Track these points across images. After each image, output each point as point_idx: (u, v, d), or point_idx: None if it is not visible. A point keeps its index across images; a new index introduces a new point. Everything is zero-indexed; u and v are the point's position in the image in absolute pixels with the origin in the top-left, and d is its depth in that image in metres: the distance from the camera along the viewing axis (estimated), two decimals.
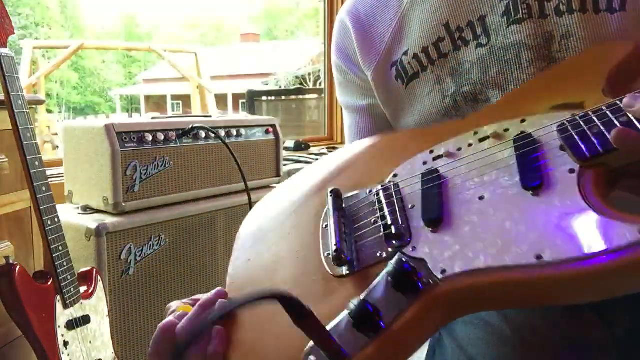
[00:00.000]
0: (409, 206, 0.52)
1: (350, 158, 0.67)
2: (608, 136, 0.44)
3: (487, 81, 0.68)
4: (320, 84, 4.55)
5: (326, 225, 0.55)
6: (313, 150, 2.43)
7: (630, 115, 0.44)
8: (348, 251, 0.50)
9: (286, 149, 2.32)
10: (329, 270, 0.51)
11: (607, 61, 0.53)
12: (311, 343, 0.43)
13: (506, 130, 0.52)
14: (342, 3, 2.84)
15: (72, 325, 1.14)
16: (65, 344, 1.12)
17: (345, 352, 0.42)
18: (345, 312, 0.44)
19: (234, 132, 1.65)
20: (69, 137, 1.45)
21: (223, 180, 1.62)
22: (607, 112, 0.46)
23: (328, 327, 0.44)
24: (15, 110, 1.06)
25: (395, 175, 0.57)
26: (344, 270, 0.50)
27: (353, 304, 0.43)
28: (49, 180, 1.11)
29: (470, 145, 0.53)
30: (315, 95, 4.75)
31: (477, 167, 0.51)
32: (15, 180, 1.22)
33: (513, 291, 0.43)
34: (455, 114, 0.71)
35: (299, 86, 13.20)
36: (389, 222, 0.51)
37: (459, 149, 0.54)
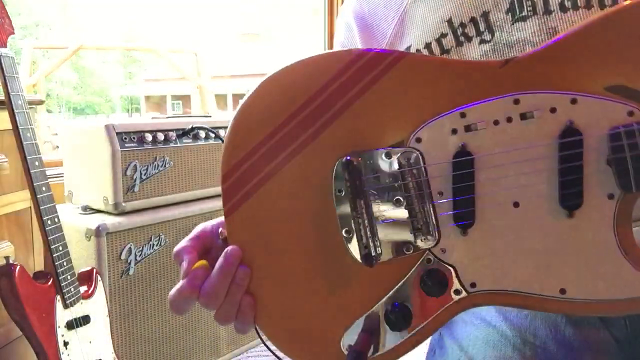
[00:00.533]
0: (437, 192, 0.47)
1: (356, 91, 0.49)
2: None
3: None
4: None
5: (355, 206, 0.47)
6: None
7: None
8: (381, 238, 0.47)
9: None
10: (351, 256, 0.48)
11: None
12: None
13: (553, 110, 0.45)
14: (342, 3, 2.84)
15: (72, 325, 1.14)
16: (65, 344, 1.12)
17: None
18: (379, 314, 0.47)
19: None
20: (69, 137, 1.45)
21: None
22: None
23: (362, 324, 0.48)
24: (15, 110, 1.06)
25: (418, 141, 0.48)
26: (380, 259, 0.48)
27: (387, 307, 0.46)
28: (49, 180, 1.11)
29: (509, 119, 0.46)
30: None
31: (515, 160, 0.45)
32: (15, 180, 1.22)
33: (530, 306, 0.46)
34: None
35: None
36: (416, 210, 0.46)
37: (496, 122, 0.46)
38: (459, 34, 0.69)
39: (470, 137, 0.46)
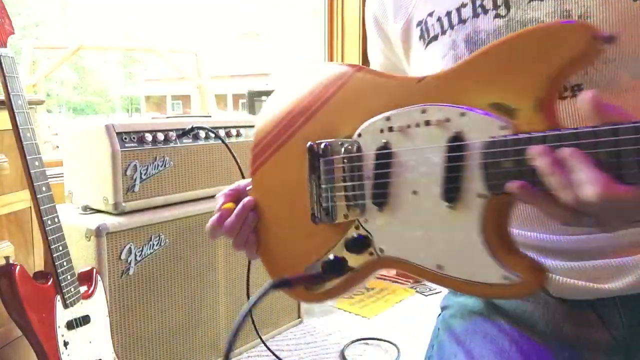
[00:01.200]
0: (366, 176, 0.61)
1: (328, 95, 0.69)
2: (507, 182, 0.49)
3: None
4: None
5: (310, 179, 0.67)
6: None
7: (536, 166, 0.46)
8: (323, 205, 0.66)
9: None
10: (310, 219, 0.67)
11: (550, 61, 0.50)
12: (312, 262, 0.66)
13: (447, 120, 0.55)
14: (342, 3, 2.84)
15: (72, 325, 1.14)
16: (65, 344, 1.12)
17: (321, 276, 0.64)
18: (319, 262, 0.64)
19: (234, 132, 1.65)
20: (69, 137, 1.45)
21: (223, 180, 1.62)
22: (521, 150, 0.48)
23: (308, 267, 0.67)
24: (15, 110, 1.06)
25: (359, 135, 0.63)
26: (322, 221, 0.67)
27: (329, 257, 0.64)
28: (49, 180, 1.11)
29: (417, 125, 0.58)
30: None
31: (418, 157, 0.58)
32: (15, 180, 1.22)
33: (420, 275, 0.58)
34: None
35: None
36: (351, 188, 0.63)
37: (408, 127, 0.59)
38: (477, 5, 0.70)
39: (391, 136, 0.60)
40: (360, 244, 0.62)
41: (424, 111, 0.58)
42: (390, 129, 0.60)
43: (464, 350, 0.72)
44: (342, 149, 0.64)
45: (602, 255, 0.65)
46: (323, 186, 0.65)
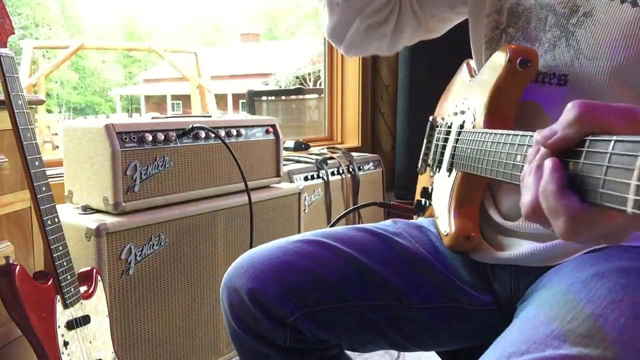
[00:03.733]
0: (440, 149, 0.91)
1: (451, 86, 0.99)
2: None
3: (528, 31, 0.77)
4: (320, 84, 4.55)
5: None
6: (313, 150, 2.42)
7: None
8: (428, 161, 0.97)
9: (286, 149, 2.32)
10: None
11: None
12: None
13: (462, 112, 0.86)
14: None
15: (72, 325, 1.14)
16: (65, 344, 1.12)
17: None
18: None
19: (234, 132, 1.65)
20: (69, 137, 1.45)
21: (223, 180, 1.62)
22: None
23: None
24: (15, 110, 1.06)
25: (442, 119, 0.94)
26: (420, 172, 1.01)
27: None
28: (49, 180, 1.11)
29: (462, 113, 0.86)
30: (315, 95, 4.74)
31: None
32: (15, 180, 1.22)
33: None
34: (493, 49, 0.81)
35: (299, 86, 13.19)
36: (435, 156, 0.92)
37: (455, 114, 0.88)
38: None
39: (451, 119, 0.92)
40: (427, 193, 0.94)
41: (463, 103, 0.85)
42: (455, 114, 0.87)
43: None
44: (441, 128, 0.92)
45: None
46: (429, 149, 0.97)
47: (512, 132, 0.60)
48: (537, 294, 0.68)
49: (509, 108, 0.73)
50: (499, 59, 0.73)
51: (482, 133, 0.70)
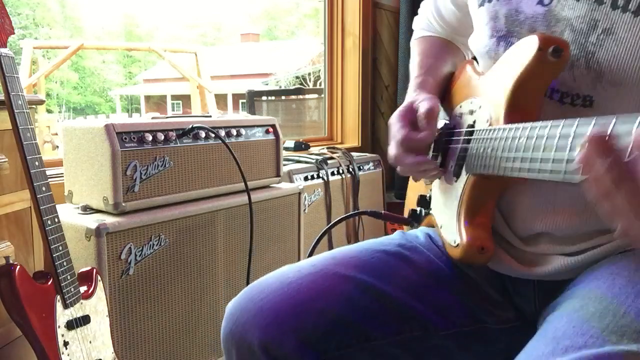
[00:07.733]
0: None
1: (450, 89, 0.94)
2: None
3: None
4: (320, 84, 4.55)
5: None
6: (313, 150, 2.42)
7: None
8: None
9: (286, 149, 2.32)
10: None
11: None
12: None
13: (471, 112, 0.81)
14: (342, 3, 2.84)
15: (72, 325, 1.14)
16: (65, 344, 1.12)
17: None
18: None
19: (234, 132, 1.65)
20: (69, 137, 1.45)
21: (223, 180, 1.62)
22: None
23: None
24: (15, 110, 1.06)
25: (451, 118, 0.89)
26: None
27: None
28: (49, 180, 1.11)
29: (470, 112, 0.81)
30: (315, 95, 4.74)
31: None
32: (15, 180, 1.22)
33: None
34: (492, 57, 0.78)
35: (299, 86, 13.18)
36: (445, 158, 0.84)
37: (463, 113, 0.83)
38: None
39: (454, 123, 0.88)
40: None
41: (471, 102, 0.81)
42: (460, 116, 0.84)
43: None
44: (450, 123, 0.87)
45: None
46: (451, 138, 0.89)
47: (559, 121, 0.51)
48: (577, 289, 0.65)
49: (533, 102, 0.65)
50: (526, 48, 0.65)
51: (509, 129, 0.61)
